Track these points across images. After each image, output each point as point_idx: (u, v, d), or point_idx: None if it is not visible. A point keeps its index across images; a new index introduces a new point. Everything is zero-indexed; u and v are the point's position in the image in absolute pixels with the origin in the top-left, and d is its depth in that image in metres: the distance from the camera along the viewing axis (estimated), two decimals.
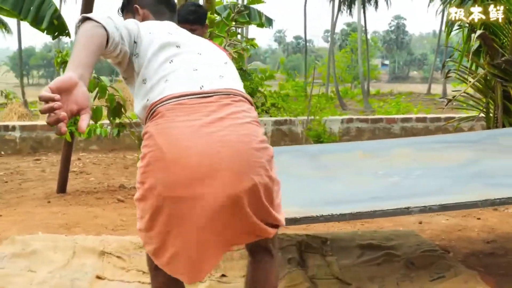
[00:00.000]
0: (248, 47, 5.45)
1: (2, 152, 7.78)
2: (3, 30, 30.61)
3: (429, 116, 9.28)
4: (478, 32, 5.46)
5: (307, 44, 53.21)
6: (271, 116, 9.42)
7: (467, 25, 5.82)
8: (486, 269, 3.23)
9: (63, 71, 5.07)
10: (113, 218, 4.40)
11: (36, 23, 5.86)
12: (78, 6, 5.97)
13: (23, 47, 29.75)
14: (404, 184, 3.02)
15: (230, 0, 8.03)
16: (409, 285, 2.87)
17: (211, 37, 5.41)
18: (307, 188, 3.03)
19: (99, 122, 5.27)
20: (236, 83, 1.90)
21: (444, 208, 2.51)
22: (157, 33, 1.90)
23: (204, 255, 1.71)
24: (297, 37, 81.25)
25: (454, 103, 6.25)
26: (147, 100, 1.78)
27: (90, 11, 5.33)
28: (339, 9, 34.60)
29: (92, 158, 7.72)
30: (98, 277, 3.02)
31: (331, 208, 2.51)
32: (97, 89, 4.85)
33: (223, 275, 3.09)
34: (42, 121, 11.77)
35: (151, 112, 1.75)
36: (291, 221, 2.41)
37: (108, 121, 5.31)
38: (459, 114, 7.63)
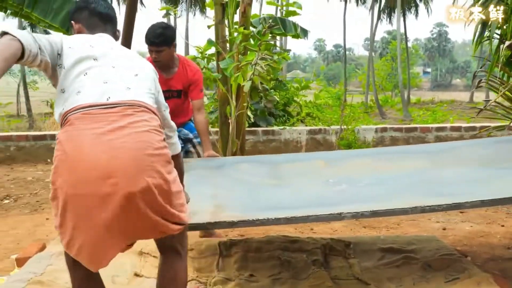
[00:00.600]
0: (280, 59, 5.66)
1: (49, 160, 8.17)
2: None
3: (464, 125, 9.28)
4: (507, 42, 5.53)
5: (348, 52, 53.13)
6: (306, 126, 9.60)
7: (496, 35, 5.90)
8: (503, 273, 3.35)
9: None
10: None
11: None
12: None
13: None
14: (350, 191, 3.19)
15: (267, 12, 8.28)
16: (425, 285, 3.03)
17: (245, 51, 5.65)
18: (257, 195, 3.22)
19: None
20: (141, 95, 2.11)
21: (374, 214, 2.68)
22: (77, 47, 2.14)
23: (103, 248, 1.96)
24: (337, 46, 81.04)
25: (490, 112, 6.29)
26: (63, 109, 2.03)
27: (132, 26, 5.62)
28: (378, 18, 34.49)
29: None
30: (136, 275, 3.28)
31: (271, 212, 2.69)
32: None
33: (251, 275, 3.30)
34: None
35: (64, 120, 2.00)
36: (230, 224, 2.69)
37: None
38: (495, 123, 7.64)
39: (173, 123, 2.41)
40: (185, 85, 3.92)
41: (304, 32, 9.12)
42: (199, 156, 4.11)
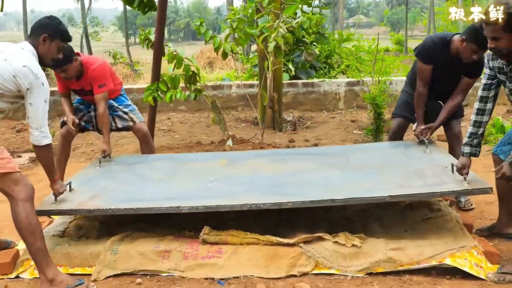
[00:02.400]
0: (305, 20, 6.05)
1: None
2: None
3: None
4: None
5: None
6: (348, 77, 9.88)
7: None
8: (480, 215, 3.81)
9: (147, 47, 5.91)
10: None
11: (128, 1, 6.77)
12: None
13: (128, 7, 31.17)
14: (215, 188, 3.67)
15: None
16: (401, 222, 3.53)
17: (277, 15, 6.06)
18: (140, 189, 3.75)
19: (179, 88, 6.04)
20: None
21: (207, 208, 3.24)
22: None
23: None
24: None
25: None
26: None
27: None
28: None
29: (180, 117, 8.69)
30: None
31: (129, 204, 3.30)
32: (174, 60, 5.70)
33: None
34: (139, 84, 12.93)
35: None
36: (87, 212, 3.36)
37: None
38: None
39: (35, 120, 2.99)
40: (90, 83, 4.46)
41: None
42: (133, 122, 4.71)
